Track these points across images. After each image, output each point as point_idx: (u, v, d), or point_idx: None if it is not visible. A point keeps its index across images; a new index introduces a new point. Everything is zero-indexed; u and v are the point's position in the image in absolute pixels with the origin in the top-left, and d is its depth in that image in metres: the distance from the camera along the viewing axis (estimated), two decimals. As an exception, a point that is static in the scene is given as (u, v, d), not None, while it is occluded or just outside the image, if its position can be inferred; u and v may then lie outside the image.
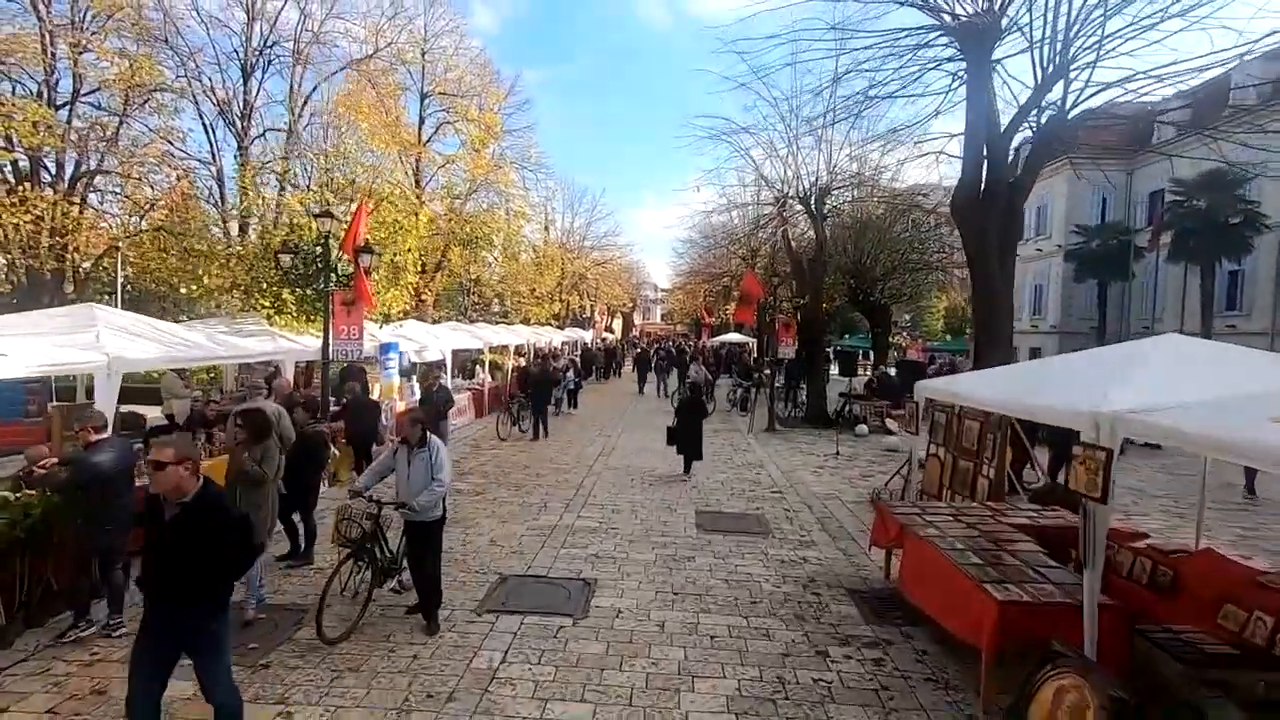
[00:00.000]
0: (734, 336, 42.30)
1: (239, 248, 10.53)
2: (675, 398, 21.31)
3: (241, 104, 26.28)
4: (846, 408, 18.69)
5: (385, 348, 11.96)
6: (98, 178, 21.69)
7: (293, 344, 9.79)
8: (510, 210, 31.68)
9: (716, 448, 14.68)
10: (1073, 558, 5.69)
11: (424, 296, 29.98)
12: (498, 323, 27.47)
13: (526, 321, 31.36)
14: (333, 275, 9.99)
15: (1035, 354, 37.63)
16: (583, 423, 17.99)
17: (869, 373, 30.97)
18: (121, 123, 21.39)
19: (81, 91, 21.09)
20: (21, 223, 18.18)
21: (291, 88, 27.54)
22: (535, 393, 15.10)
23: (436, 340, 15.16)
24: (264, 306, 9.90)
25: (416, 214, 29.40)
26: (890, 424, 17.72)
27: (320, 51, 28.76)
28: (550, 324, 34.19)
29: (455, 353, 19.63)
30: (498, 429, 14.87)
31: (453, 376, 18.45)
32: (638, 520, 8.85)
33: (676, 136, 56.34)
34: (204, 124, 25.11)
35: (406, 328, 14.39)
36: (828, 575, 7.06)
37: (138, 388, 12.67)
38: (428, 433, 5.33)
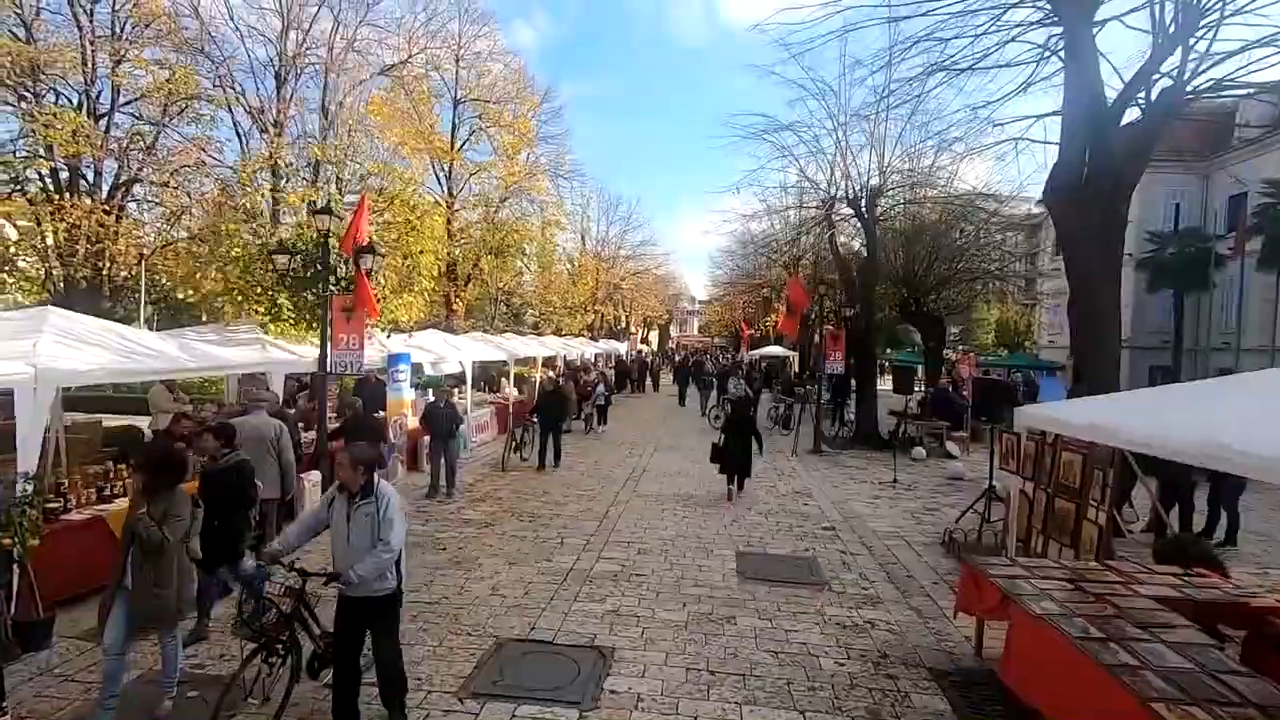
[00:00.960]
0: (774, 349, 40.67)
1: (238, 249, 9.75)
2: (714, 412, 19.97)
3: (275, 112, 25.93)
4: (901, 428, 17.08)
5: (395, 359, 10.94)
6: (135, 187, 21.53)
7: (287, 354, 8.82)
8: (544, 219, 30.91)
9: (758, 471, 13.26)
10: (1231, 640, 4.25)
11: (454, 306, 29.41)
12: (526, 333, 26.51)
13: (559, 333, 30.41)
14: (332, 278, 9.01)
15: (1100, 370, 35.16)
16: (612, 442, 16.77)
17: (919, 389, 29.15)
18: (159, 132, 21.19)
19: (120, 102, 20.98)
20: (57, 229, 17.97)
21: (325, 95, 27.27)
22: (544, 414, 12.97)
23: (457, 351, 14.15)
24: (258, 313, 8.99)
25: (442, 216, 29.07)
26: (951, 447, 16.07)
27: (354, 59, 28.42)
28: (583, 335, 33.17)
29: (481, 365, 18.71)
30: (503, 457, 12.94)
31: (475, 390, 17.47)
32: (668, 564, 7.55)
33: (714, 137, 55.01)
34: (237, 132, 24.78)
35: (421, 337, 13.42)
36: (903, 648, 5.65)
37: (141, 399, 11.93)
38: (375, 477, 4.03)
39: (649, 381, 32.75)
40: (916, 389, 20.92)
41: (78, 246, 18.38)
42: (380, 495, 3.91)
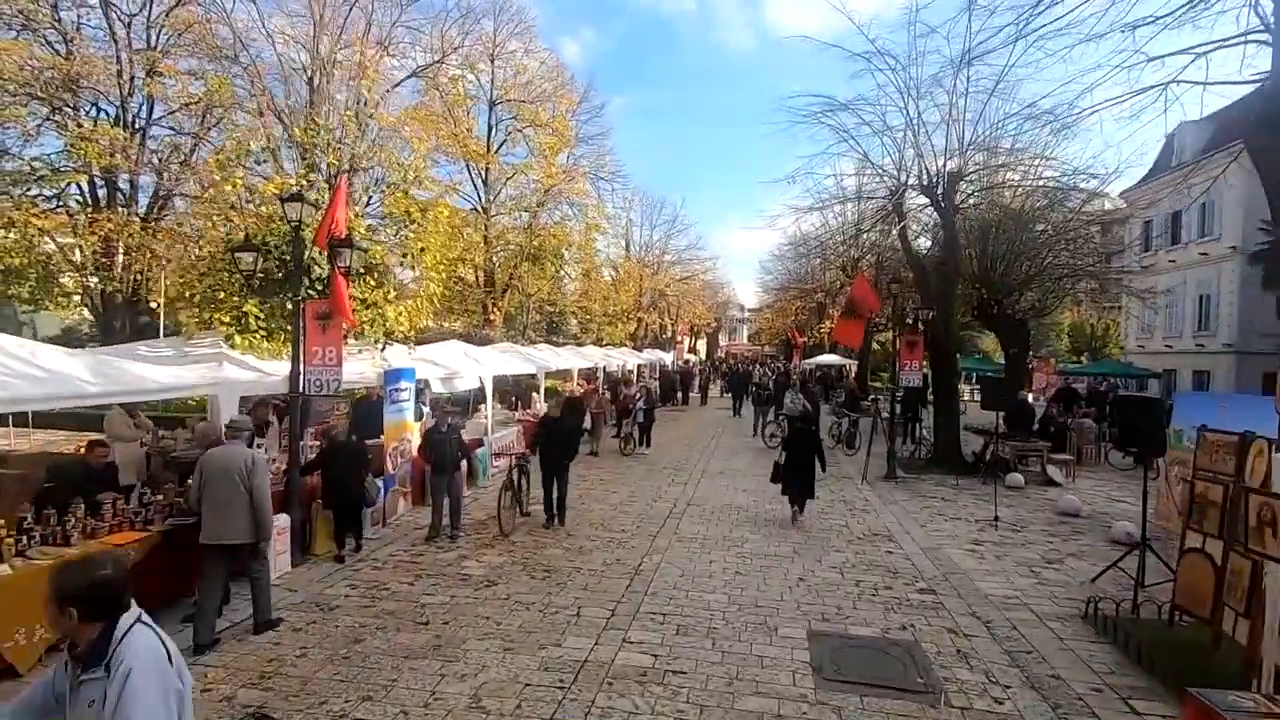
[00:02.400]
0: (829, 358, 38.13)
1: (196, 248, 8.47)
2: (770, 429, 17.88)
3: (305, 118, 25.05)
4: (990, 449, 14.65)
5: (393, 375, 9.33)
6: (175, 200, 20.92)
7: (250, 372, 7.26)
8: (585, 221, 29.43)
9: (825, 503, 11.20)
10: None
11: (492, 316, 28.11)
12: (563, 343, 24.90)
13: (599, 342, 28.74)
14: (306, 279, 7.44)
15: (1202, 379, 31.43)
16: (654, 464, 14.86)
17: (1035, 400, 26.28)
18: (196, 144, 20.51)
19: (155, 115, 20.47)
20: (92, 243, 17.30)
21: (358, 100, 26.42)
22: (547, 449, 9.32)
23: (475, 365, 12.52)
24: (223, 324, 7.50)
25: (479, 223, 27.83)
26: (1054, 472, 13.60)
27: (388, 63, 27.52)
28: (626, 345, 31.41)
29: (514, 379, 17.12)
30: (499, 517, 8.92)
31: (506, 406, 15.84)
32: (717, 652, 5.61)
33: (768, 123, 52.33)
34: (268, 139, 24.01)
35: (434, 350, 11.86)
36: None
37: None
38: (114, 632, 2.10)
39: (696, 393, 30.64)
40: (1035, 399, 17.76)
41: (114, 260, 17.77)
42: (117, 667, 2.03)
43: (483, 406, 13.36)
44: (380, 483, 8.98)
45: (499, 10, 28.17)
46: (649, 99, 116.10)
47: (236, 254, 7.44)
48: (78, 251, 18.28)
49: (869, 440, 15.50)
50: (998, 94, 14.57)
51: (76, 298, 20.50)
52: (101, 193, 19.15)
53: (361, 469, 8.16)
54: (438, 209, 9.71)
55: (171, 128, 20.67)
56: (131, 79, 19.67)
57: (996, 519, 10.22)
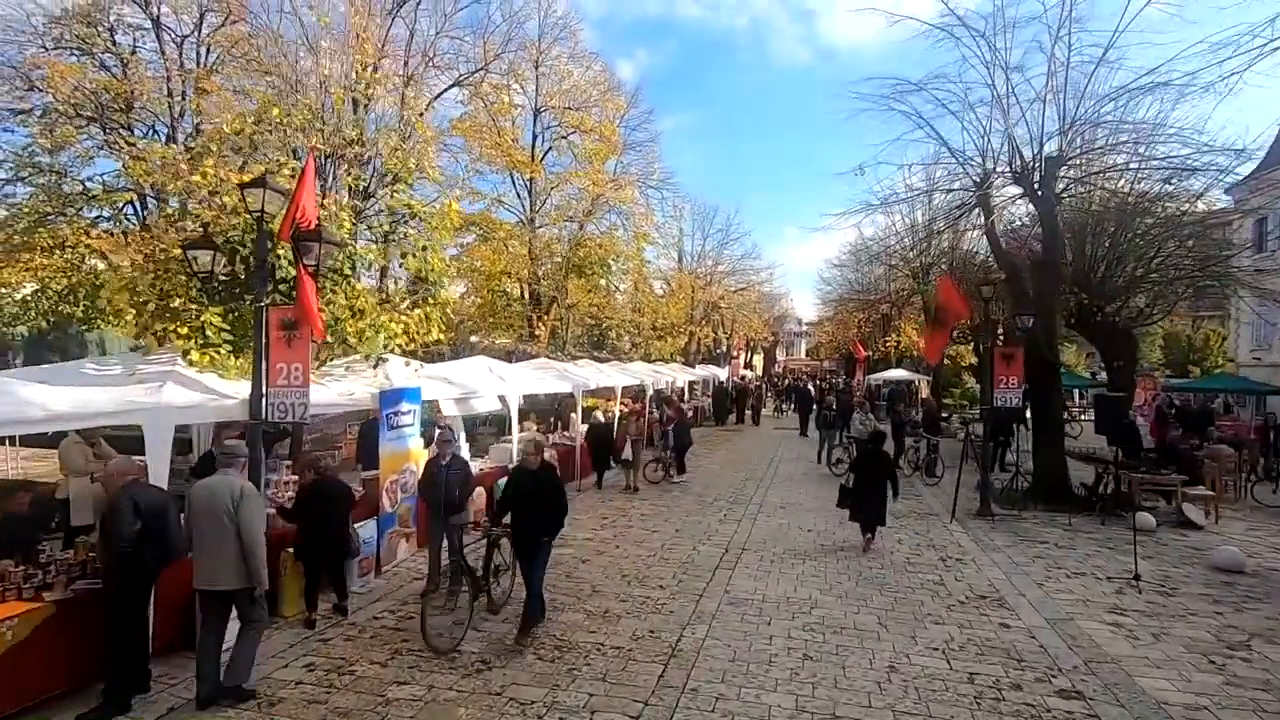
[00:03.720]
0: (898, 373, 35.45)
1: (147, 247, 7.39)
2: (837, 453, 15.87)
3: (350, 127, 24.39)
4: (1105, 482, 12.31)
5: (391, 396, 7.94)
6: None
7: (201, 394, 5.95)
8: (631, 233, 28.03)
9: (910, 548, 9.26)
10: None
11: (538, 332, 26.94)
12: (607, 359, 23.40)
13: (648, 358, 27.14)
14: (271, 282, 6.13)
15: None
16: (703, 495, 13.10)
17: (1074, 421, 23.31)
18: (245, 162, 20.16)
19: (195, 134, 20.43)
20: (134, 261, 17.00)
21: (402, 109, 25.88)
22: (517, 520, 6.24)
23: (500, 383, 11.10)
24: (179, 336, 6.27)
25: (524, 236, 26.75)
26: (1191, 511, 11.17)
27: (432, 74, 26.93)
28: (676, 360, 29.70)
29: (541, 397, 15.70)
30: (422, 628, 5.86)
31: (533, 429, 14.38)
32: (781, 805, 3.86)
33: (830, 113, 49.66)
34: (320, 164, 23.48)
35: (453, 367, 10.51)
36: None
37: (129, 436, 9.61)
38: None
39: (753, 412, 28.60)
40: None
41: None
42: None
43: (527, 428, 11.99)
44: (374, 524, 7.59)
45: (544, 15, 27.24)
46: (701, 117, 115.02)
47: (190, 252, 6.18)
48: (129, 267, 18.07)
49: (958, 469, 13.31)
50: (1106, 63, 12.39)
51: (130, 316, 20.35)
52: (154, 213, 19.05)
53: (345, 512, 6.77)
54: (447, 205, 8.32)
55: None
56: (184, 95, 19.60)
57: (1137, 577, 8.03)
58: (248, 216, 6.21)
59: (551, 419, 16.77)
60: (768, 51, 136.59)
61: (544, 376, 13.42)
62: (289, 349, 6.06)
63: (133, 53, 19.96)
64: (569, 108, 27.04)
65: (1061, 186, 13.34)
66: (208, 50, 20.98)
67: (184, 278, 6.37)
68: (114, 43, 19.98)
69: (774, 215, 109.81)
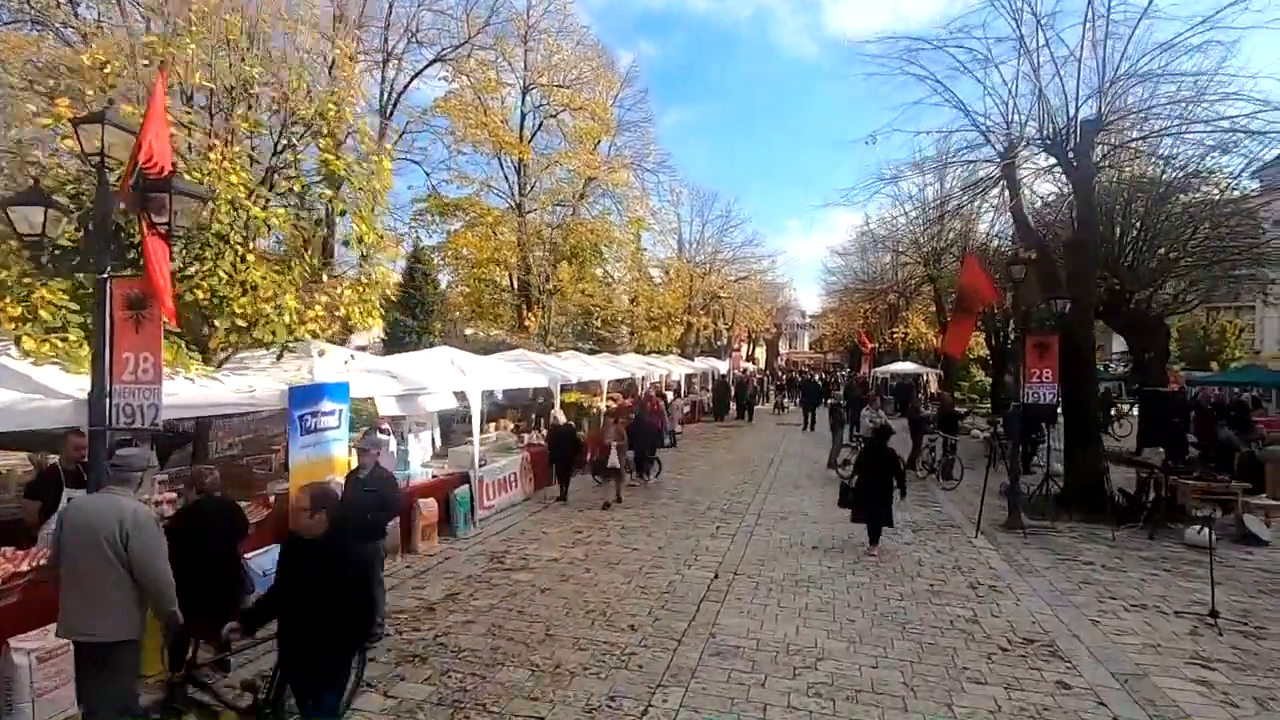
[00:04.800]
0: (905, 366, 33.94)
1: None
2: (845, 453, 14.42)
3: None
4: (1149, 490, 10.87)
5: (304, 394, 6.52)
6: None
7: (31, 390, 4.56)
8: (625, 218, 26.55)
9: (933, 568, 7.86)
10: None
11: (527, 323, 25.51)
12: (594, 351, 21.96)
13: (642, 349, 25.70)
14: (116, 246, 4.70)
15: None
16: (693, 500, 11.69)
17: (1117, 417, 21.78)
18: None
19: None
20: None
21: (383, 87, 24.44)
22: (291, 635, 3.68)
23: (462, 377, 9.68)
24: (9, 317, 4.87)
25: (511, 221, 25.30)
26: (1253, 524, 9.70)
27: (414, 51, 25.43)
28: (673, 352, 28.23)
29: (518, 393, 14.26)
30: None
31: (507, 428, 12.98)
32: None
33: (837, 78, 48.03)
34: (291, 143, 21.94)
35: (394, 359, 9.11)
36: None
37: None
38: None
39: (748, 408, 27.08)
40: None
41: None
42: None
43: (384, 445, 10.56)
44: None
45: (532, -16, 25.66)
46: (704, 111, 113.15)
47: (13, 210, 4.76)
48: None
49: (984, 474, 11.89)
50: (1152, 14, 10.84)
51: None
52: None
53: (231, 542, 5.37)
54: (378, 164, 6.87)
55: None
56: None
57: (1215, 614, 6.59)
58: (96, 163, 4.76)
59: (534, 416, 15.40)
60: (772, 43, 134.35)
61: (516, 370, 12.02)
62: (136, 334, 4.65)
63: (98, 26, 18.58)
64: (559, 85, 25.53)
65: (1099, 155, 11.80)
66: (170, 22, 19.53)
67: (14, 243, 4.93)
68: (75, 13, 18.61)
69: (776, 209, 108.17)
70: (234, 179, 5.60)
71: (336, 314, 6.81)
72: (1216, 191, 16.18)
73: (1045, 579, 7.85)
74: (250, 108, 6.95)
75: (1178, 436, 11.26)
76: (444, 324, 34.38)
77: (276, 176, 6.64)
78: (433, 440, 11.25)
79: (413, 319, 47.76)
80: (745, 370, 40.83)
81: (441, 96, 25.46)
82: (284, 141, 6.48)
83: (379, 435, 9.10)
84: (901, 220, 24.43)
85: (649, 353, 25.34)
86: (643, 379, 21.02)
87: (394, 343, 44.01)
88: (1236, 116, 10.93)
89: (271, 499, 6.81)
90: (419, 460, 9.27)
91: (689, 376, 27.02)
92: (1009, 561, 8.51)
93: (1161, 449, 11.35)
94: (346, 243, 7.07)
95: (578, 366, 15.53)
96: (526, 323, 25.17)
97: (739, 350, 44.58)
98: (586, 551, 8.51)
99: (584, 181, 26.55)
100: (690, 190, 33.86)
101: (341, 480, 6.88)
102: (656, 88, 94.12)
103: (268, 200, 6.39)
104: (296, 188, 6.49)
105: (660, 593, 7.07)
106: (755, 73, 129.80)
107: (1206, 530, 9.40)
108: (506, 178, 26.98)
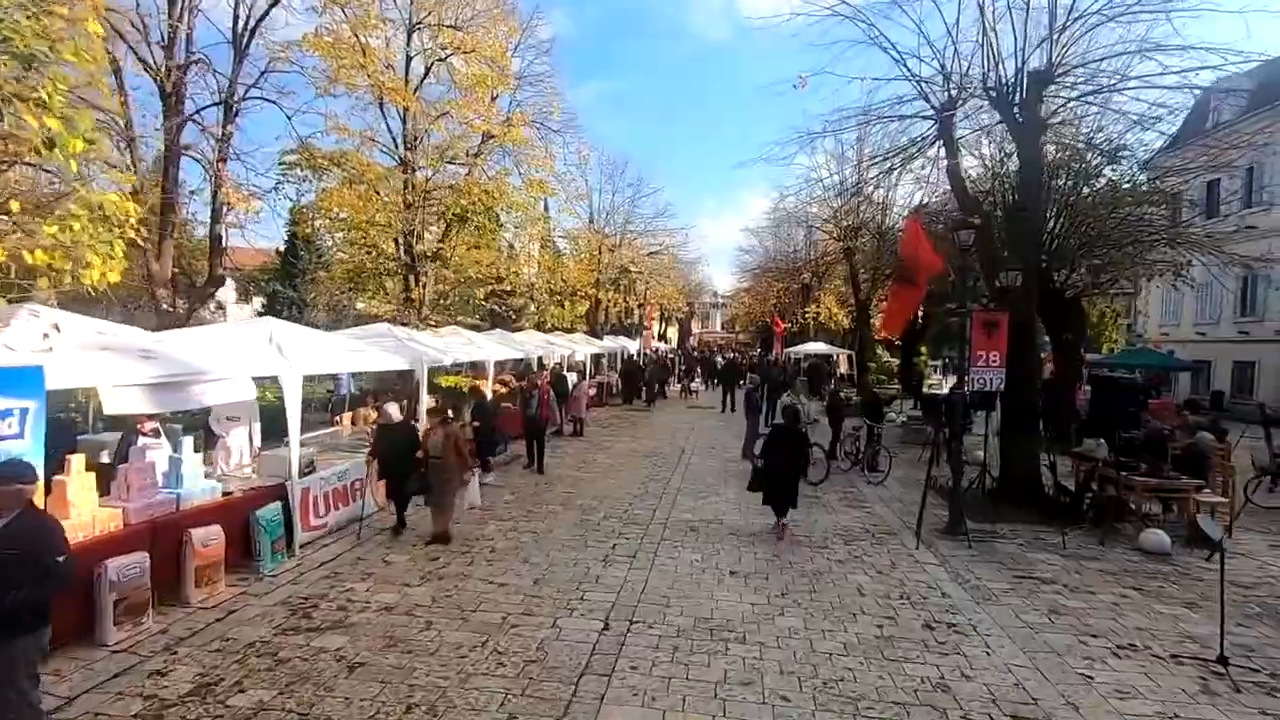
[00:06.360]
0: (817, 346, 33.29)
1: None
2: (758, 448, 12.84)
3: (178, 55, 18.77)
4: (1092, 484, 9.85)
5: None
6: None
7: None
8: (525, 178, 23.98)
9: (876, 608, 6.20)
10: None
11: (414, 295, 22.62)
12: (485, 327, 19.53)
13: (542, 326, 23.39)
14: None
15: (1245, 371, 27.30)
16: (588, 508, 9.73)
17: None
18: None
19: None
20: None
21: (236, 12, 20.56)
22: None
23: (280, 359, 7.21)
24: None
25: (398, 178, 22.29)
26: (1208, 524, 8.73)
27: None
28: (579, 329, 26.07)
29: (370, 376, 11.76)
30: None
31: (337, 420, 10.56)
32: None
33: (752, 57, 46.24)
34: (119, 84, 17.48)
35: (142, 335, 6.55)
36: None
37: None
38: None
39: (659, 387, 25.29)
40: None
41: None
42: None
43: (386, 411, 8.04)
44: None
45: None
46: (618, 86, 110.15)
47: None
48: None
49: (908, 464, 10.55)
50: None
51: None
52: None
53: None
54: (87, 22, 4.37)
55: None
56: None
57: (1224, 660, 5.26)
58: None
59: (406, 403, 12.93)
60: (689, 23, 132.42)
61: (367, 349, 9.56)
62: None
63: None
64: (449, 24, 22.55)
65: (1051, 110, 10.57)
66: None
67: None
68: None
69: (692, 188, 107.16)
70: None
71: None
72: (1136, 169, 15.72)
73: (1008, 609, 6.40)
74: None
75: (1134, 428, 10.30)
76: (330, 296, 30.63)
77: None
78: (250, 440, 8.71)
79: (293, 290, 42.94)
80: (658, 350, 39.22)
81: (312, 31, 21.90)
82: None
83: (145, 439, 6.59)
84: (819, 189, 23.10)
85: (551, 330, 23.05)
86: (543, 359, 18.83)
87: (273, 316, 39.47)
88: (1185, 70, 9.85)
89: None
90: (201, 473, 6.76)
91: (596, 356, 24.99)
92: (960, 582, 7.05)
93: (1103, 440, 10.39)
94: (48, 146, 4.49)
95: (458, 345, 13.15)
96: (414, 295, 22.30)
97: (650, 328, 42.97)
98: (436, 591, 6.36)
99: (480, 139, 23.78)
100: (600, 155, 31.51)
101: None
102: (570, 61, 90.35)
103: None
104: None
105: (525, 662, 5.04)
106: (668, 51, 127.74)
107: (1157, 534, 8.39)
108: (391, 130, 23.78)
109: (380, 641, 5.30)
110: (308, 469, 7.67)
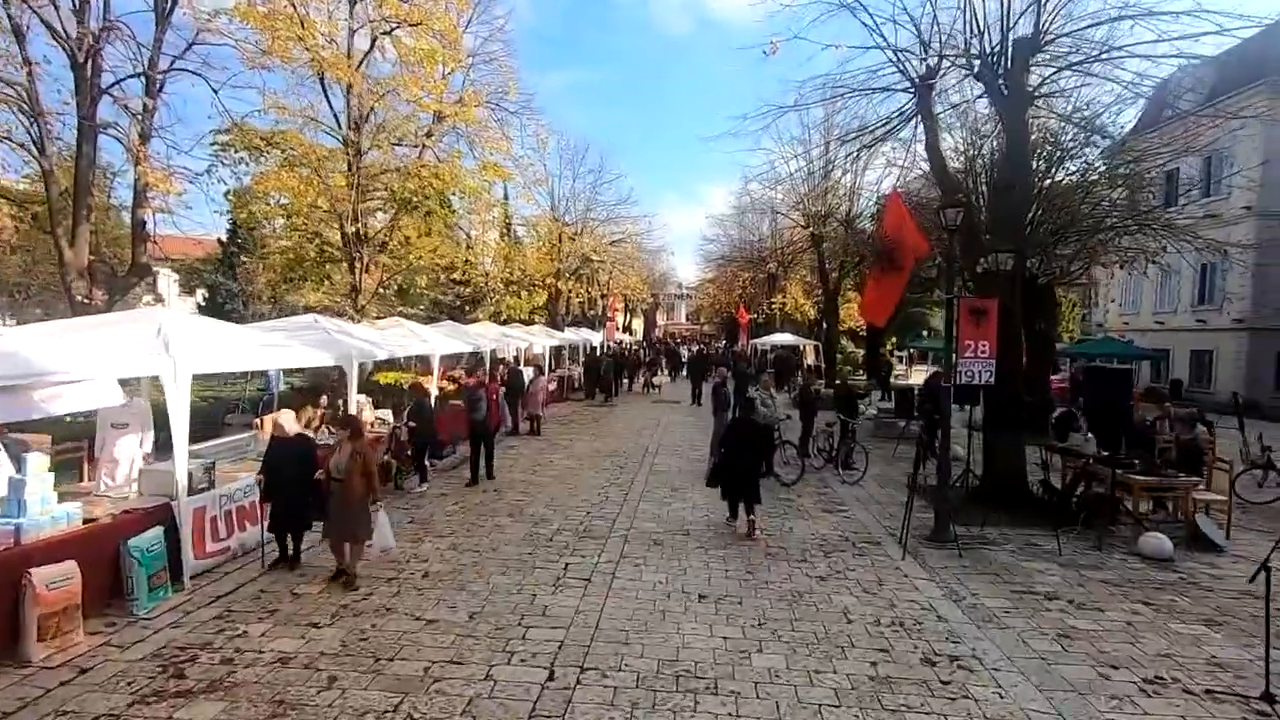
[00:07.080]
0: (784, 337, 32.72)
1: None
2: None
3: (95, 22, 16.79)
4: (1080, 484, 9.22)
5: None
6: None
7: None
8: (479, 161, 22.67)
9: (867, 638, 5.35)
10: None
11: (361, 285, 21.18)
12: (426, 316, 18.31)
13: (497, 317, 22.18)
14: None
15: (1203, 359, 27.53)
16: (538, 518, 8.74)
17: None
18: None
19: None
20: None
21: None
22: None
23: (163, 357, 6.02)
24: None
25: (341, 160, 20.78)
26: (1208, 528, 8.15)
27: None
28: (537, 320, 24.91)
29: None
30: None
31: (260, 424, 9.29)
32: None
33: (715, 50, 45.98)
34: (22, 52, 15.58)
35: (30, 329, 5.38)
36: None
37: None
38: None
39: (622, 381, 24.29)
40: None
41: None
42: None
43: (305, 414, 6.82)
44: None
45: None
46: (582, 77, 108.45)
47: None
48: None
49: (885, 462, 9.80)
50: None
51: None
52: None
53: None
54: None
55: None
56: None
57: (1270, 696, 4.54)
58: None
59: (340, 403, 11.71)
60: (652, 16, 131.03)
61: (286, 344, 8.36)
62: None
63: None
64: (396, -4, 21.05)
65: (1039, 82, 9.86)
66: None
67: None
68: None
69: (656, 181, 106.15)
70: None
71: None
72: (1114, 148, 15.26)
73: (1013, 633, 5.63)
74: None
75: (1126, 424, 9.71)
76: (275, 289, 28.71)
77: None
78: (141, 450, 7.47)
79: (234, 281, 40.49)
80: (621, 342, 38.20)
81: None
82: None
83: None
84: (784, 172, 22.31)
85: (508, 321, 21.87)
86: (497, 352, 17.69)
87: (215, 310, 36.99)
88: (1182, 37, 9.19)
89: None
90: (53, 497, 5.54)
91: (557, 349, 23.88)
92: (955, 601, 6.27)
93: (1092, 435, 9.79)
94: None
95: (399, 338, 12.00)
96: (357, 285, 20.87)
97: (613, 320, 41.93)
98: (348, 633, 5.31)
99: (431, 118, 22.39)
100: (560, 141, 30.22)
101: None
102: (534, 51, 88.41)
103: None
104: None
105: (444, 733, 4.05)
106: (632, 45, 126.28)
107: (1158, 538, 7.76)
108: (334, 109, 22.19)
109: (265, 710, 4.23)
110: (203, 484, 6.51)
